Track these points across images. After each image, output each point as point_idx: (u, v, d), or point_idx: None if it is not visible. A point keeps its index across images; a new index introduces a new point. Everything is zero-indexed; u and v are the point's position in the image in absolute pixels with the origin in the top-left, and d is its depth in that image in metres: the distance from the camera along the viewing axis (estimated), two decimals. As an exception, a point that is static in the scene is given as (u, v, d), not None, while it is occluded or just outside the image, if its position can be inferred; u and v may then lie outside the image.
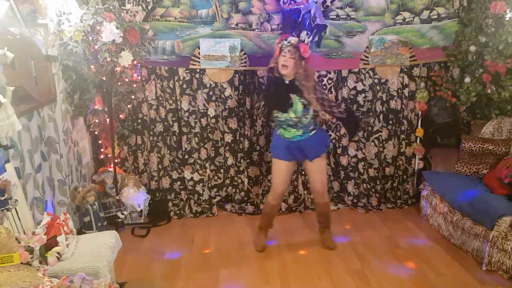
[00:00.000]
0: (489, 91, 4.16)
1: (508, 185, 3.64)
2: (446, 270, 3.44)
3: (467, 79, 4.26)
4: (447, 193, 3.96)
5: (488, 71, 4.11)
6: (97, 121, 4.09)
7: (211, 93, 4.41)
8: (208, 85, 4.39)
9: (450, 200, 3.89)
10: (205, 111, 4.45)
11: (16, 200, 2.20)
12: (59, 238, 2.48)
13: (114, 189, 4.14)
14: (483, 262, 3.39)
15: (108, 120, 4.07)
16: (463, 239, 3.68)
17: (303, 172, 4.66)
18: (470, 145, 4.17)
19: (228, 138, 4.52)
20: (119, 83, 3.95)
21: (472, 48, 4.17)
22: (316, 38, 4.26)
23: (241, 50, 4.28)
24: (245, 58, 4.31)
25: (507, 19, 3.97)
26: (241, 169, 4.58)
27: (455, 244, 3.78)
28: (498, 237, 3.29)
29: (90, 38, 3.65)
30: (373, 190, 4.72)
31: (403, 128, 4.66)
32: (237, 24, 4.25)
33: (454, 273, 3.39)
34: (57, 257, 2.40)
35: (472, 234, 3.55)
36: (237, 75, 4.39)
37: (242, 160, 4.57)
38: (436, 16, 4.40)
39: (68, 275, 2.04)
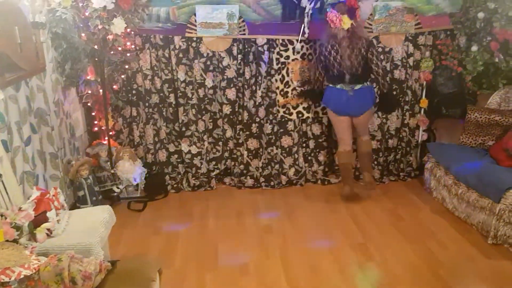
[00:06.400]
0: (496, 59, 4.01)
1: (515, 157, 3.54)
2: (451, 243, 3.35)
3: (474, 48, 4.10)
4: (452, 165, 3.85)
5: (497, 39, 3.95)
6: (90, 92, 3.95)
7: (208, 62, 4.23)
8: (205, 54, 4.20)
9: (455, 173, 3.78)
10: (202, 81, 4.27)
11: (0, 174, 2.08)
12: (49, 214, 2.36)
13: (108, 163, 4.02)
14: (489, 235, 3.31)
15: (101, 91, 3.92)
16: (468, 212, 3.58)
17: (304, 144, 4.54)
18: (476, 116, 4.03)
19: (227, 109, 4.37)
20: (112, 52, 3.80)
21: (480, 15, 4.00)
22: (318, 5, 4.09)
23: (240, 17, 4.08)
24: (244, 25, 4.12)
25: (518, -17, 3.80)
26: (240, 141, 4.45)
27: (459, 217, 3.69)
28: (505, 210, 3.20)
29: (80, 4, 3.53)
30: (375, 162, 4.61)
31: (407, 99, 4.50)
32: (235, -10, 4.06)
33: (459, 247, 3.31)
34: (47, 234, 2.29)
35: (478, 207, 3.45)
36: (235, 44, 4.20)
37: (241, 132, 4.43)
38: (443, -19, 4.20)
39: (56, 254, 1.93)
